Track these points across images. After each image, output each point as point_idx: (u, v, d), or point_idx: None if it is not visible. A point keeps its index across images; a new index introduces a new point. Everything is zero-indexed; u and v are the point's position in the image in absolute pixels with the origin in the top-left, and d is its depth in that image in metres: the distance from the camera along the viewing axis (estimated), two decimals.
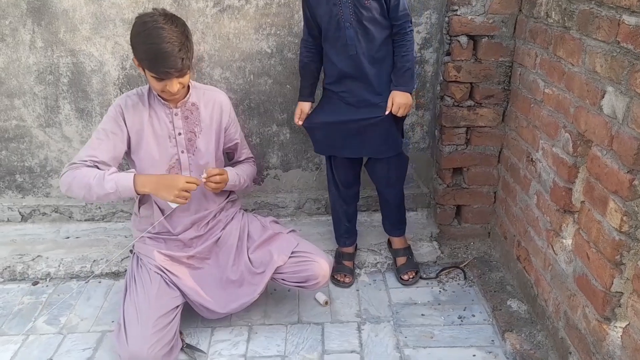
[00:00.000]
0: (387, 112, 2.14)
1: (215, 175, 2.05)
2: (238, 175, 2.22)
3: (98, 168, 1.97)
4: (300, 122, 2.30)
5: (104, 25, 2.43)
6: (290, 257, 2.10)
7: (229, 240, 2.19)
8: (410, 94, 2.17)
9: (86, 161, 1.97)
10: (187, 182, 1.95)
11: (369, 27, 2.09)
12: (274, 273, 2.09)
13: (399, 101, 2.14)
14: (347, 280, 2.44)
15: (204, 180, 2.03)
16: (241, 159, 2.34)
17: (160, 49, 1.80)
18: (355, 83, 2.17)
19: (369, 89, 2.17)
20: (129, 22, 2.41)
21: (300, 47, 2.28)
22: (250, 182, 2.35)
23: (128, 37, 2.35)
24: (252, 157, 2.40)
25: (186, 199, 1.97)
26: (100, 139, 2.01)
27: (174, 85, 1.90)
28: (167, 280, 2.05)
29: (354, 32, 2.09)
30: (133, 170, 2.02)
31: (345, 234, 2.51)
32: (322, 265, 2.11)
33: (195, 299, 2.05)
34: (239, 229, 2.21)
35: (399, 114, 2.16)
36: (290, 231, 2.26)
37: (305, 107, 2.31)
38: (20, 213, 2.81)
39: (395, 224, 2.52)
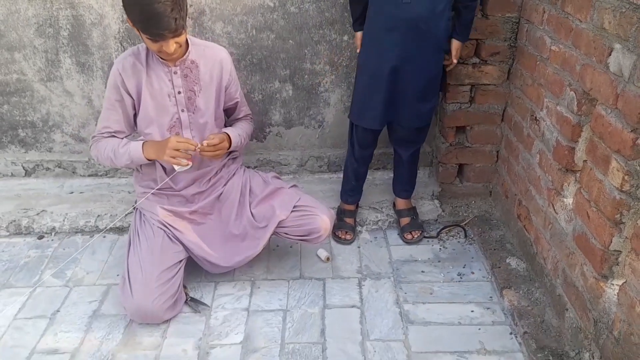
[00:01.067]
0: (455, 62, 2.22)
1: (213, 145, 2.02)
2: (239, 136, 2.20)
3: (116, 136, 2.08)
4: None
5: None
6: (292, 211, 2.12)
7: (230, 196, 2.20)
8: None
9: (103, 133, 2.09)
10: (178, 142, 1.95)
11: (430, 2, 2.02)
12: (276, 227, 2.11)
13: (457, 50, 2.20)
14: (347, 237, 2.46)
15: (199, 148, 2.00)
16: (239, 116, 2.31)
17: (152, 10, 1.75)
18: (406, 34, 2.06)
19: (421, 43, 2.09)
20: None
21: None
22: (249, 140, 2.35)
23: None
24: (250, 114, 2.37)
25: (188, 161, 1.98)
26: (109, 109, 2.07)
27: (170, 46, 1.87)
28: (170, 235, 2.07)
29: (413, 4, 2.00)
30: (142, 138, 2.08)
31: (350, 191, 2.52)
32: (324, 218, 2.14)
33: (198, 253, 2.08)
34: (241, 185, 2.22)
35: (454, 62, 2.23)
36: (291, 186, 2.27)
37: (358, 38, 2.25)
38: (23, 168, 2.83)
39: (404, 185, 2.52)
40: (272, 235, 2.13)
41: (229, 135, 2.13)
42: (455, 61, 2.23)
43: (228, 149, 2.13)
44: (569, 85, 1.82)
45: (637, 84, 1.41)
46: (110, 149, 2.06)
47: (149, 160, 2.05)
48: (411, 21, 2.03)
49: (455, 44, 2.19)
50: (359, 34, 2.24)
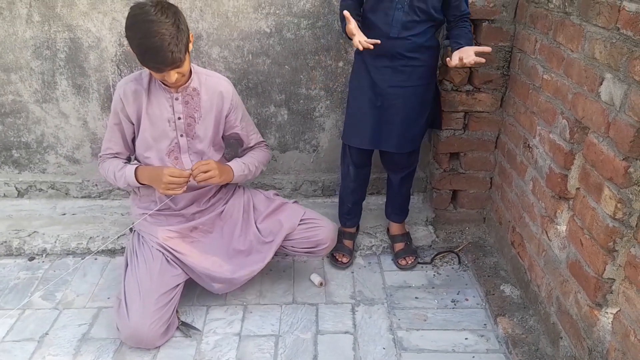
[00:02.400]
0: (455, 61, 1.99)
1: (200, 170, 2.00)
2: (245, 164, 2.20)
3: (118, 157, 2.15)
4: (362, 41, 1.97)
5: (101, 0, 2.40)
6: (299, 224, 2.16)
7: (233, 214, 2.21)
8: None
9: (107, 154, 2.15)
10: (171, 176, 1.95)
11: (419, 14, 2.05)
12: (283, 240, 2.14)
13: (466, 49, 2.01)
14: (344, 260, 2.45)
15: (190, 174, 2.00)
16: (251, 144, 2.30)
17: (149, 45, 1.77)
18: (395, 62, 2.12)
19: (409, 70, 2.14)
20: None
21: (341, 3, 2.18)
22: (264, 167, 2.33)
23: (126, 13, 2.32)
24: (262, 142, 2.36)
25: (180, 189, 1.98)
26: (111, 131, 2.12)
27: (172, 76, 1.89)
28: (168, 258, 2.06)
29: (402, 15, 2.05)
30: (135, 162, 2.13)
31: (347, 214, 2.52)
32: (330, 229, 2.21)
33: (200, 270, 2.07)
34: (243, 203, 2.24)
35: (468, 62, 1.98)
36: (294, 202, 2.30)
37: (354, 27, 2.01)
38: (16, 188, 2.81)
39: (395, 209, 2.53)
40: (277, 250, 2.15)
41: (231, 168, 2.14)
42: (455, 61, 1.98)
43: (225, 175, 2.11)
44: (561, 113, 1.84)
45: (628, 112, 1.43)
46: (111, 170, 2.11)
47: (142, 185, 2.09)
48: (398, 54, 2.10)
49: (456, 52, 2.02)
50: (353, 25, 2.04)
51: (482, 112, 2.44)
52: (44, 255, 2.51)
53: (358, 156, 2.35)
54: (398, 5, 2.04)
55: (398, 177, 2.42)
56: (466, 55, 1.95)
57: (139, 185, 2.09)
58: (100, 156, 2.18)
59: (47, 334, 2.05)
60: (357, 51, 2.18)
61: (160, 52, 1.78)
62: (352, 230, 2.55)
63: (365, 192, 2.52)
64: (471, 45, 2.07)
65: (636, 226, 1.45)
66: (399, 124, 2.21)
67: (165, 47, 1.77)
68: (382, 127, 2.23)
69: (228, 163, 2.17)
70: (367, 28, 2.10)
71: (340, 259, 2.45)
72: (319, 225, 2.20)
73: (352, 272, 2.44)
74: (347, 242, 2.51)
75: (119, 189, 2.81)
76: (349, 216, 2.52)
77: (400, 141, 2.25)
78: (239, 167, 2.17)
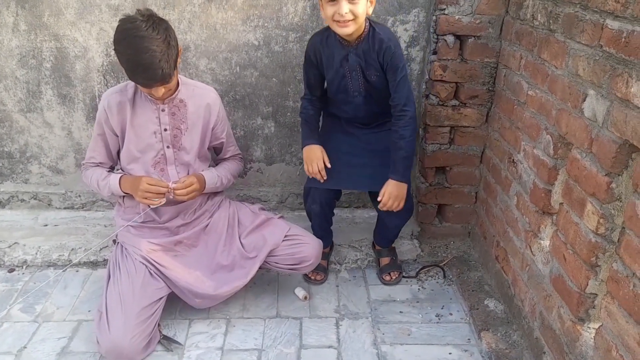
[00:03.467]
0: (380, 206, 2.14)
1: (182, 188, 2.02)
2: (219, 176, 2.20)
3: (101, 166, 2.16)
4: (323, 174, 2.19)
5: (89, 10, 2.40)
6: (283, 240, 2.15)
7: (218, 228, 2.20)
8: (407, 184, 2.15)
9: (90, 162, 2.16)
10: (148, 184, 1.97)
11: (376, 96, 2.17)
12: (267, 256, 2.12)
13: (390, 191, 2.11)
14: (318, 278, 2.42)
15: (172, 189, 2.01)
16: (226, 156, 2.32)
17: (139, 61, 1.76)
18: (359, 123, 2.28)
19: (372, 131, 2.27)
20: (114, 8, 2.39)
21: (303, 103, 2.28)
22: (234, 179, 2.35)
23: (114, 24, 2.32)
24: (238, 154, 2.38)
25: (157, 199, 1.99)
26: (95, 141, 2.13)
27: (159, 91, 1.89)
28: (151, 271, 2.04)
29: (362, 99, 2.18)
30: (120, 171, 2.13)
31: (318, 236, 2.42)
32: (314, 246, 2.19)
33: (183, 285, 2.04)
34: (228, 216, 2.23)
35: (391, 207, 2.12)
36: (279, 217, 2.29)
37: (317, 149, 2.21)
38: None
39: (386, 240, 2.51)
40: (261, 265, 2.13)
41: (203, 177, 2.13)
42: (388, 204, 2.12)
43: (202, 189, 2.11)
44: (546, 129, 1.86)
45: (611, 129, 1.44)
46: (95, 179, 2.12)
47: (126, 194, 2.09)
48: (366, 123, 2.27)
49: (388, 184, 2.13)
50: (317, 148, 2.22)
51: (468, 127, 2.46)
52: (24, 267, 2.47)
53: (326, 197, 2.31)
54: (355, 93, 2.17)
55: (392, 220, 2.37)
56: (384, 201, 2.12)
57: (123, 194, 2.09)
58: (83, 164, 2.19)
59: (25, 347, 2.01)
60: (327, 113, 2.34)
61: (151, 68, 1.77)
62: (326, 250, 2.51)
63: (332, 217, 2.47)
64: (399, 174, 2.13)
65: (618, 241, 1.46)
66: (371, 165, 2.24)
67: (156, 64, 1.76)
68: (355, 168, 2.24)
69: (202, 172, 2.16)
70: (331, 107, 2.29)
71: (313, 277, 2.42)
72: (304, 241, 2.19)
73: (337, 286, 2.42)
74: (321, 262, 2.42)
75: (102, 199, 2.78)
76: (319, 237, 2.39)
77: (374, 180, 2.21)
78: (212, 179, 2.17)
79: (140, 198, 1.99)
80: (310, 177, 2.23)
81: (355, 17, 1.92)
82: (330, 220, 2.46)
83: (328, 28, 2.05)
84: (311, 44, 2.17)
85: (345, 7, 1.88)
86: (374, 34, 2.04)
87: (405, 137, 2.09)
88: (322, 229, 2.44)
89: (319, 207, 2.33)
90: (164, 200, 2.01)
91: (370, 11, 1.99)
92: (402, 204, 2.16)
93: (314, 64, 2.18)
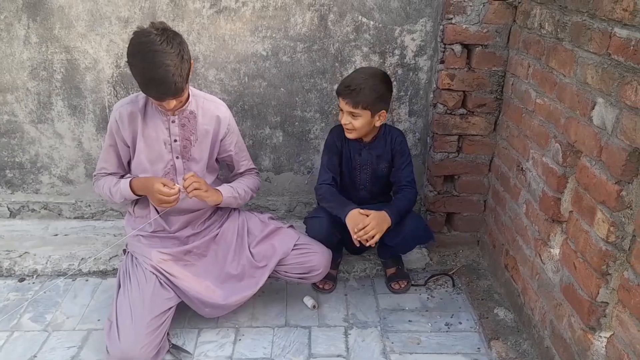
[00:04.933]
0: (358, 233, 2.12)
1: (190, 181, 2.00)
2: (232, 187, 2.20)
3: (113, 175, 2.17)
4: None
5: (99, 22, 2.43)
6: (292, 249, 2.16)
7: (227, 237, 2.21)
8: (390, 225, 2.16)
9: (101, 173, 2.18)
10: (160, 193, 1.96)
11: (380, 189, 2.40)
12: (277, 266, 2.13)
13: (377, 216, 2.13)
14: (327, 287, 2.42)
15: (183, 189, 2.01)
16: (240, 170, 2.30)
17: (153, 75, 1.78)
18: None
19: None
20: (124, 20, 2.41)
21: (322, 189, 2.30)
22: (253, 193, 2.31)
23: (123, 35, 2.36)
24: (253, 169, 2.36)
25: (170, 203, 1.99)
26: (107, 152, 2.14)
27: (170, 104, 1.90)
28: (161, 281, 2.04)
29: (367, 193, 2.39)
30: (129, 175, 2.14)
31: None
32: (324, 255, 2.20)
33: (193, 294, 2.05)
34: (237, 226, 2.23)
35: (367, 233, 2.10)
36: (289, 226, 2.30)
37: (358, 213, 2.17)
38: (8, 209, 2.80)
39: (388, 254, 2.50)
40: (270, 274, 2.13)
41: (220, 191, 2.14)
42: (367, 227, 2.10)
43: (208, 189, 2.09)
44: (554, 137, 1.86)
45: (620, 136, 1.44)
46: (106, 187, 2.14)
47: (138, 196, 2.11)
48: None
49: (379, 212, 2.15)
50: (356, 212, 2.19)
51: (476, 135, 2.46)
52: (34, 277, 2.48)
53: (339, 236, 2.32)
54: (361, 187, 2.38)
55: (400, 247, 2.40)
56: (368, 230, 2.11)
57: (136, 197, 2.10)
58: (95, 175, 2.20)
59: (35, 356, 2.01)
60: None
61: (164, 83, 1.79)
62: (338, 260, 2.51)
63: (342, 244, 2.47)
64: (393, 213, 2.18)
65: (629, 249, 1.45)
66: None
67: (170, 78, 1.78)
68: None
69: (217, 187, 2.16)
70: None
71: (322, 286, 2.42)
72: (313, 250, 2.19)
73: (346, 295, 2.42)
74: (331, 270, 2.41)
75: (111, 209, 2.80)
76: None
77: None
78: (227, 190, 2.17)
79: (158, 204, 2.03)
80: (356, 240, 2.15)
81: (355, 129, 2.18)
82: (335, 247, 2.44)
83: None
84: (336, 133, 2.33)
85: (345, 119, 2.17)
86: (390, 131, 2.33)
87: (407, 197, 2.28)
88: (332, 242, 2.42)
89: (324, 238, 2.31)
90: (178, 201, 2.01)
91: (379, 124, 2.23)
92: (376, 238, 2.12)
93: (338, 150, 2.33)
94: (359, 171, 2.35)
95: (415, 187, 2.33)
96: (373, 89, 2.12)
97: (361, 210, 2.16)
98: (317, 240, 2.26)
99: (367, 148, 2.30)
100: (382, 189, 2.41)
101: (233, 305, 2.11)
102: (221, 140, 2.17)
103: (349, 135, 2.22)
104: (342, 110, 2.18)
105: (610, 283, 1.53)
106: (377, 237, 2.12)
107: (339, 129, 2.31)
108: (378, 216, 2.14)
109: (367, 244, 2.13)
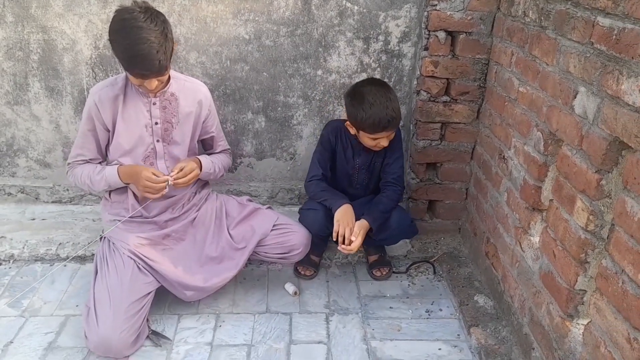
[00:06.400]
0: (350, 248, 2.16)
1: (182, 177, 2.02)
2: (213, 163, 2.21)
3: (90, 163, 2.11)
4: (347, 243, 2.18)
5: (77, 2, 2.36)
6: (271, 229, 2.17)
7: (205, 221, 2.20)
8: (370, 230, 2.22)
9: (77, 160, 2.11)
10: (147, 180, 1.95)
11: (375, 184, 2.40)
12: (256, 246, 2.13)
13: (359, 225, 2.18)
14: (307, 273, 2.43)
15: (172, 179, 2.00)
16: (217, 150, 2.33)
17: (137, 51, 1.75)
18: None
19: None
20: (103, 1, 2.36)
21: (313, 184, 2.32)
22: (225, 172, 2.35)
23: (102, 16, 2.31)
24: (228, 149, 2.39)
25: (157, 192, 1.98)
26: (83, 138, 2.08)
27: (153, 83, 1.88)
28: (140, 265, 2.02)
29: (362, 189, 2.40)
30: (116, 162, 2.08)
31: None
32: (303, 234, 2.21)
33: (173, 278, 2.04)
34: (215, 209, 2.23)
35: (352, 243, 2.15)
36: (267, 207, 2.30)
37: (351, 211, 2.22)
38: None
39: (374, 246, 2.50)
40: (250, 256, 2.14)
41: (200, 161, 2.13)
42: (351, 247, 2.15)
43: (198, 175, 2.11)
44: (536, 125, 1.86)
45: (601, 126, 1.45)
46: (86, 175, 2.07)
47: (126, 184, 2.07)
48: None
49: (360, 224, 2.19)
50: (349, 207, 2.24)
51: (459, 123, 2.46)
52: (11, 261, 2.44)
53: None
54: (357, 186, 2.39)
55: (385, 240, 2.43)
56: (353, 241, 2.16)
57: (124, 184, 2.07)
58: (69, 163, 2.13)
59: (11, 342, 1.99)
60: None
61: (148, 59, 1.76)
62: (318, 257, 2.50)
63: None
64: (374, 218, 2.22)
65: (607, 238, 1.46)
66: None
67: (154, 54, 1.76)
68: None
69: (199, 157, 2.16)
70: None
71: (303, 272, 2.43)
72: (292, 230, 2.20)
73: (327, 281, 2.42)
74: (314, 257, 2.45)
75: (91, 194, 2.75)
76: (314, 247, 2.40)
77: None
78: (208, 164, 2.17)
79: (144, 194, 2.00)
80: (335, 237, 2.19)
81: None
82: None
83: (344, 121, 2.24)
84: (331, 129, 2.34)
85: (384, 143, 2.18)
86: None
87: (391, 198, 2.28)
88: (316, 249, 2.46)
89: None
90: (165, 192, 2.01)
91: None
92: (356, 245, 2.15)
93: (331, 147, 2.33)
94: (357, 172, 2.37)
95: (402, 184, 2.34)
96: (397, 101, 2.16)
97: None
98: (310, 231, 2.27)
99: (366, 149, 2.27)
100: (377, 184, 2.42)
101: (214, 288, 2.11)
102: (203, 122, 2.16)
103: (375, 149, 2.22)
104: (376, 138, 2.15)
105: (589, 271, 1.55)
106: (356, 244, 2.15)
107: (334, 124, 2.34)
108: (359, 226, 2.18)
109: (346, 252, 2.17)
